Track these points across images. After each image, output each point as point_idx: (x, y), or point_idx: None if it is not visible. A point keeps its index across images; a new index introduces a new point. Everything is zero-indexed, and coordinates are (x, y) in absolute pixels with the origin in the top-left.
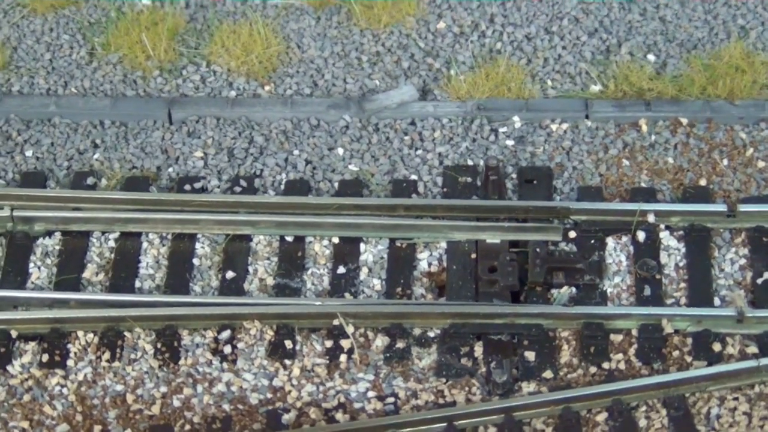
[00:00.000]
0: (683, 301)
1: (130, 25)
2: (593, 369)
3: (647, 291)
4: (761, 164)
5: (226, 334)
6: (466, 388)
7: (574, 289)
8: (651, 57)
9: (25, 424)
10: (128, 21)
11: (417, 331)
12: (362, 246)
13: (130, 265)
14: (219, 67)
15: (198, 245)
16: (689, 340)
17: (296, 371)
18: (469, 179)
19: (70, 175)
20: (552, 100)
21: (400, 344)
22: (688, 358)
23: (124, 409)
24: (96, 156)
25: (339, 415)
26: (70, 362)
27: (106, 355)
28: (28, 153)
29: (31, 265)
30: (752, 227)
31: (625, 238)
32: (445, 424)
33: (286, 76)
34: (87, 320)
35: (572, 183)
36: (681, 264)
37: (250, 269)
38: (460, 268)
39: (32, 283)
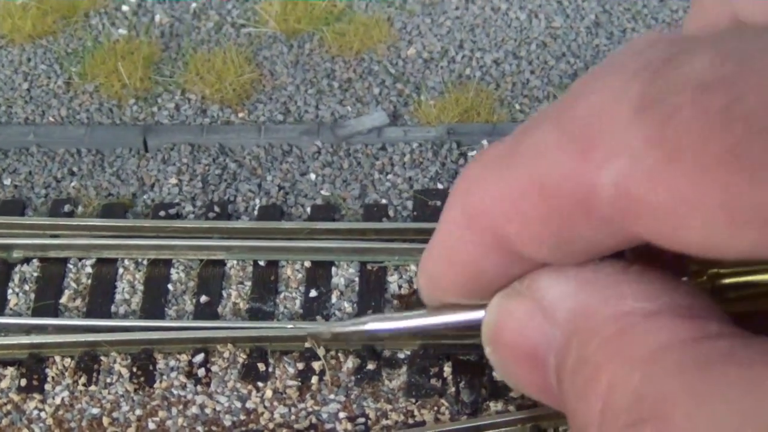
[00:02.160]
0: None
1: (106, 54)
2: None
3: None
4: None
5: (200, 358)
6: (435, 408)
7: None
8: None
9: None
10: (104, 50)
11: (387, 353)
12: (334, 269)
13: (107, 291)
14: (193, 94)
15: (173, 270)
16: None
17: (269, 393)
18: (439, 203)
19: (48, 202)
20: (520, 123)
21: (370, 366)
22: None
23: (100, 431)
24: (73, 184)
25: None
26: (47, 386)
27: (83, 379)
28: (6, 181)
29: (10, 291)
30: None
31: None
32: None
33: (258, 103)
34: (64, 345)
35: None
36: None
37: (224, 293)
38: None
39: (11, 309)
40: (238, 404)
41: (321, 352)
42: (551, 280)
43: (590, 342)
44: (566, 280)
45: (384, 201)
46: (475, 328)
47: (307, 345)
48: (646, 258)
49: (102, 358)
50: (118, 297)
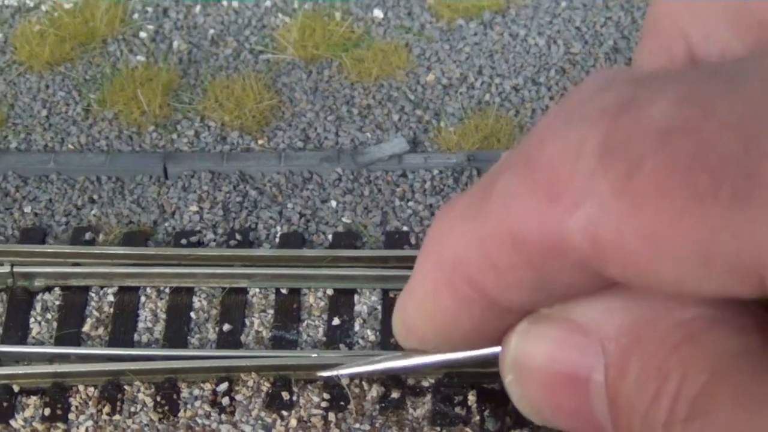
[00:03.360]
0: None
1: (125, 81)
2: None
3: None
4: None
5: (224, 386)
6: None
7: None
8: None
9: None
10: (123, 77)
11: (411, 381)
12: (356, 297)
13: (129, 320)
14: (213, 121)
15: (195, 299)
16: None
17: (293, 422)
18: None
19: (68, 230)
20: None
21: (395, 394)
22: None
23: None
24: (93, 211)
25: None
26: (71, 416)
27: (107, 408)
28: (27, 209)
29: (32, 320)
30: None
31: None
32: None
33: (278, 130)
34: (88, 374)
35: None
36: None
37: (247, 322)
38: None
39: (33, 338)
40: None
41: (345, 381)
42: (589, 298)
43: (657, 350)
44: (608, 298)
45: (405, 228)
46: (453, 366)
47: (325, 374)
48: None
49: (126, 387)
50: (140, 325)
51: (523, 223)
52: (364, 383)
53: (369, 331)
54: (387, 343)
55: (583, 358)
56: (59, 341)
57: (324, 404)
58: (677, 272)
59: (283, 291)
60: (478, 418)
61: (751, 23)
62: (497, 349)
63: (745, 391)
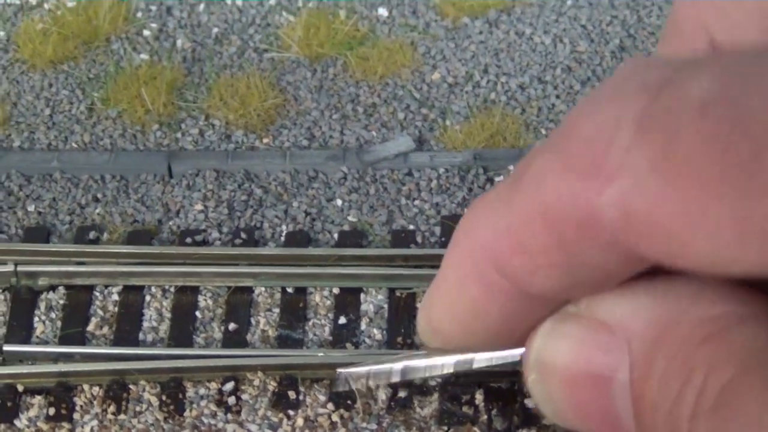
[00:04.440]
0: None
1: (128, 79)
2: None
3: None
4: None
5: (230, 386)
6: None
7: None
8: None
9: None
10: (127, 76)
11: (418, 381)
12: (362, 296)
13: (134, 319)
14: (217, 120)
15: (200, 298)
16: None
17: (300, 421)
18: None
19: (72, 229)
20: None
21: (402, 393)
22: None
23: None
24: (97, 210)
25: None
26: (76, 415)
27: (112, 408)
28: (30, 208)
29: (36, 319)
30: None
31: None
32: None
33: (283, 129)
34: (92, 373)
35: None
36: None
37: (253, 321)
38: None
39: (37, 337)
40: None
41: (358, 384)
42: (615, 297)
43: (683, 346)
44: (634, 295)
45: (411, 227)
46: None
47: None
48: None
49: (131, 386)
50: (145, 325)
51: (556, 199)
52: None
53: (375, 330)
54: (393, 342)
55: (608, 357)
56: (63, 340)
57: (330, 405)
58: (711, 245)
59: (289, 290)
60: (485, 417)
61: None
62: (519, 350)
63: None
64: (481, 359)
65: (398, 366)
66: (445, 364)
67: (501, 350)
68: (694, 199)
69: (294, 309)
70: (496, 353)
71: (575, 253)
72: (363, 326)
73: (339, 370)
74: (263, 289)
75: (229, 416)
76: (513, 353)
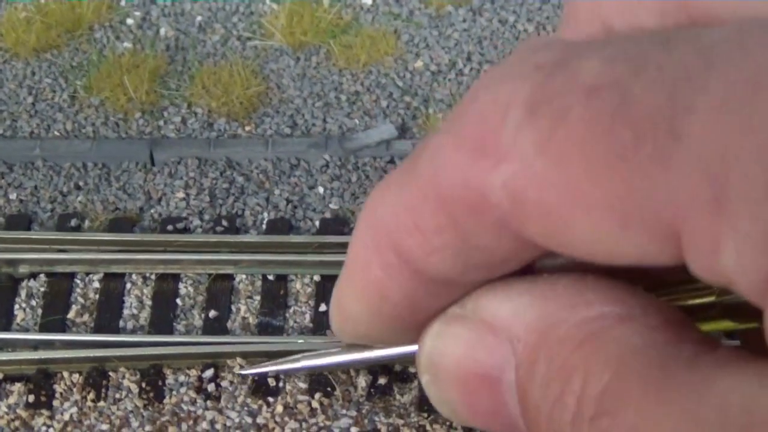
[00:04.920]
0: None
1: (111, 68)
2: None
3: None
4: None
5: (209, 373)
6: (447, 423)
7: None
8: None
9: None
10: (110, 64)
11: (398, 368)
12: None
13: (114, 306)
14: (200, 108)
15: (181, 285)
16: None
17: (279, 408)
18: None
19: (54, 217)
20: None
21: (382, 380)
22: None
23: None
24: (79, 198)
25: None
26: (56, 402)
27: (92, 395)
28: (12, 196)
29: (17, 306)
30: None
31: None
32: None
33: (266, 116)
34: (72, 360)
35: None
36: None
37: (233, 308)
38: None
39: (17, 324)
40: (249, 420)
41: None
42: (499, 298)
43: (562, 349)
44: (518, 295)
45: None
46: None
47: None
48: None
49: (110, 373)
50: (126, 312)
51: (448, 180)
52: (350, 369)
53: None
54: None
55: (494, 358)
56: (44, 328)
57: (310, 391)
58: (594, 230)
59: (270, 277)
60: None
61: (679, 17)
62: (416, 347)
63: (652, 385)
64: (379, 354)
65: (298, 365)
66: (344, 360)
67: (399, 345)
68: (578, 182)
69: (275, 296)
70: (394, 349)
71: (467, 235)
72: None
73: (240, 371)
74: (244, 276)
75: (209, 403)
76: (410, 349)
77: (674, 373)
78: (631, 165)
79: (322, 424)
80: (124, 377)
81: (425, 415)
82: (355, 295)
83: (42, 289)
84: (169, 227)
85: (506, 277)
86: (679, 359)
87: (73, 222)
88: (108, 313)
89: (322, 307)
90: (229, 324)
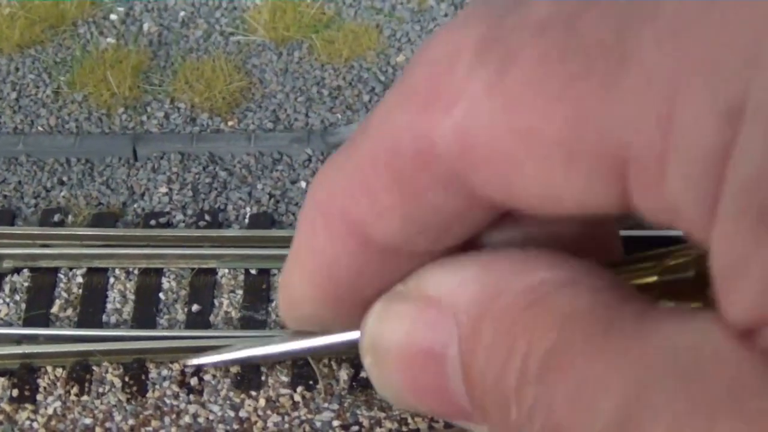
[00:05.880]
0: None
1: (95, 63)
2: None
3: None
4: None
5: (192, 367)
6: (429, 416)
7: None
8: None
9: None
10: (93, 59)
11: None
12: None
13: (98, 301)
14: (183, 103)
15: (164, 279)
16: None
17: (262, 402)
18: None
19: (38, 212)
20: None
21: (363, 374)
22: None
23: None
24: (62, 193)
25: None
26: (39, 396)
27: (75, 389)
28: None
29: (0, 301)
30: None
31: None
32: None
33: (248, 111)
34: (56, 355)
35: None
36: None
37: (216, 302)
38: None
39: (1, 319)
40: (231, 413)
41: (313, 361)
42: (442, 273)
43: (506, 315)
44: (462, 269)
45: None
46: (334, 349)
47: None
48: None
49: (94, 368)
50: (109, 306)
51: (396, 133)
52: (333, 363)
53: None
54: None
55: (437, 332)
56: (28, 322)
57: (292, 384)
58: (540, 171)
59: (252, 271)
60: None
61: None
62: (357, 333)
63: (599, 337)
64: (323, 342)
65: (240, 355)
66: (287, 350)
67: (340, 333)
68: (527, 121)
69: (257, 290)
70: (339, 335)
71: (416, 192)
72: None
73: (185, 362)
74: (227, 270)
75: (192, 397)
76: (356, 336)
77: (621, 326)
78: (579, 96)
79: (304, 418)
80: (107, 371)
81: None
82: (301, 273)
83: (26, 284)
84: (152, 222)
85: (450, 255)
86: (626, 314)
87: (57, 217)
88: (91, 307)
89: None
90: (211, 318)
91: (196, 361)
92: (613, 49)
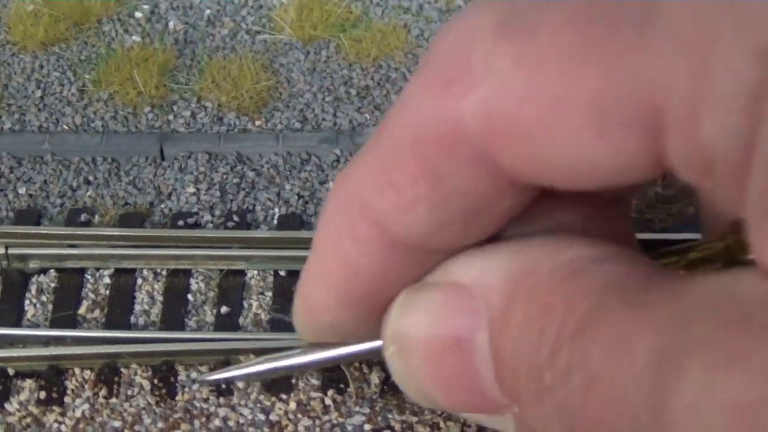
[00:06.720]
0: None
1: (120, 61)
2: None
3: None
4: None
5: None
6: (461, 421)
7: None
8: None
9: None
10: (118, 58)
11: None
12: None
13: (126, 302)
14: (209, 102)
15: (193, 281)
16: None
17: (293, 405)
18: None
19: (64, 212)
20: None
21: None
22: None
23: None
24: (89, 193)
25: None
26: (67, 399)
27: (104, 392)
28: (21, 191)
29: (27, 302)
30: None
31: None
32: None
33: (276, 111)
34: (84, 357)
35: None
36: None
37: (245, 304)
38: None
39: (28, 320)
40: (262, 417)
41: (344, 364)
42: (471, 260)
43: (540, 291)
44: (491, 255)
45: None
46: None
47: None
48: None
49: (122, 370)
50: (137, 308)
51: (419, 119)
52: (364, 366)
53: None
54: None
55: (466, 318)
56: (55, 324)
57: (323, 387)
58: (574, 138)
59: (282, 273)
60: None
61: None
62: (380, 342)
63: (632, 302)
64: (343, 352)
65: (261, 368)
66: (307, 361)
67: (365, 341)
68: (555, 89)
69: (287, 292)
70: (358, 345)
71: (441, 178)
72: None
73: (198, 377)
74: (256, 272)
75: (222, 400)
76: (375, 345)
77: (658, 286)
78: (608, 57)
79: (335, 421)
80: (136, 374)
81: (439, 412)
82: (322, 278)
83: (52, 285)
84: (180, 222)
85: (476, 246)
86: (662, 279)
87: (83, 217)
88: (119, 308)
89: None
90: (240, 320)
91: (209, 377)
92: (639, 7)
